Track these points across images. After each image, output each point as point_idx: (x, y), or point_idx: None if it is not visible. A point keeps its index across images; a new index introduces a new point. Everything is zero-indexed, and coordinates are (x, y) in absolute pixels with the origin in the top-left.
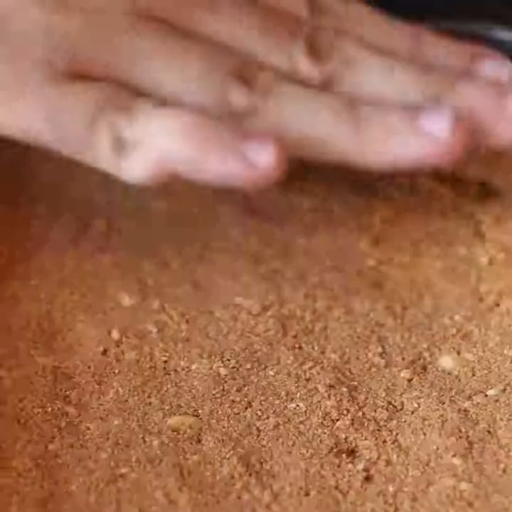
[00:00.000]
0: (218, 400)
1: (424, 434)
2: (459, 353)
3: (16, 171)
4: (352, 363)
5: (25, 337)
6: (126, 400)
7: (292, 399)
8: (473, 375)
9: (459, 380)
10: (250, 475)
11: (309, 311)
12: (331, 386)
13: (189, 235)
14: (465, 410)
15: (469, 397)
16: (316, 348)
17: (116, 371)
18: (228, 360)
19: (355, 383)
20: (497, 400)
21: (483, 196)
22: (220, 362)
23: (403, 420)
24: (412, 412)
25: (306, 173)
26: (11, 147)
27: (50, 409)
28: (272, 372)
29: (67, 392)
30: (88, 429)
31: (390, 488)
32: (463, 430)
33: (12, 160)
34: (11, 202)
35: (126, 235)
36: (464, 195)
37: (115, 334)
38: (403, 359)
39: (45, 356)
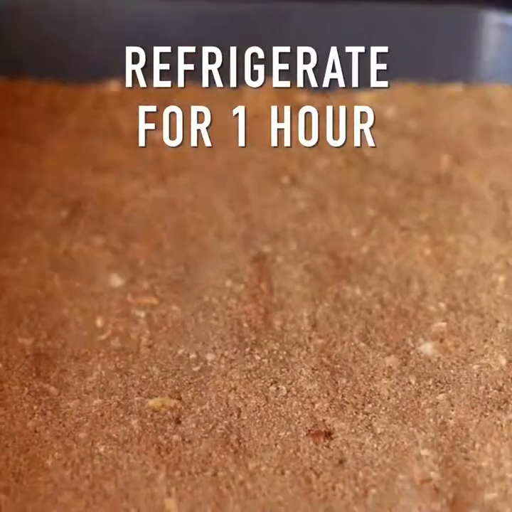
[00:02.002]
0: (202, 384)
1: (397, 422)
2: (441, 340)
3: (17, 157)
4: (337, 347)
5: (9, 317)
6: (109, 382)
7: (275, 382)
8: (453, 363)
9: (438, 368)
10: (228, 453)
11: (299, 297)
12: (314, 369)
13: (184, 219)
14: (438, 403)
15: (443, 390)
16: (303, 333)
17: (101, 355)
18: (215, 345)
19: (338, 367)
20: (468, 395)
21: None
22: (206, 347)
23: (379, 406)
24: (388, 399)
25: (301, 167)
26: (16, 137)
27: (29, 387)
28: (258, 357)
29: (48, 373)
30: (68, 407)
31: (361, 473)
32: (434, 422)
33: (13, 148)
34: (9, 185)
35: (121, 217)
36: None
37: (101, 318)
38: (387, 345)
39: (26, 337)
